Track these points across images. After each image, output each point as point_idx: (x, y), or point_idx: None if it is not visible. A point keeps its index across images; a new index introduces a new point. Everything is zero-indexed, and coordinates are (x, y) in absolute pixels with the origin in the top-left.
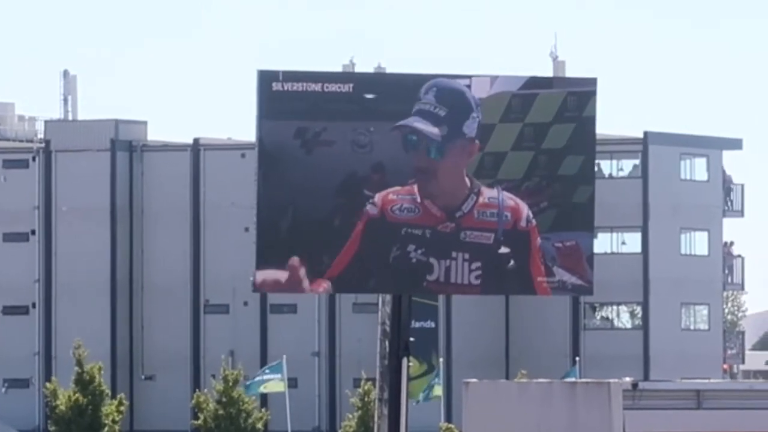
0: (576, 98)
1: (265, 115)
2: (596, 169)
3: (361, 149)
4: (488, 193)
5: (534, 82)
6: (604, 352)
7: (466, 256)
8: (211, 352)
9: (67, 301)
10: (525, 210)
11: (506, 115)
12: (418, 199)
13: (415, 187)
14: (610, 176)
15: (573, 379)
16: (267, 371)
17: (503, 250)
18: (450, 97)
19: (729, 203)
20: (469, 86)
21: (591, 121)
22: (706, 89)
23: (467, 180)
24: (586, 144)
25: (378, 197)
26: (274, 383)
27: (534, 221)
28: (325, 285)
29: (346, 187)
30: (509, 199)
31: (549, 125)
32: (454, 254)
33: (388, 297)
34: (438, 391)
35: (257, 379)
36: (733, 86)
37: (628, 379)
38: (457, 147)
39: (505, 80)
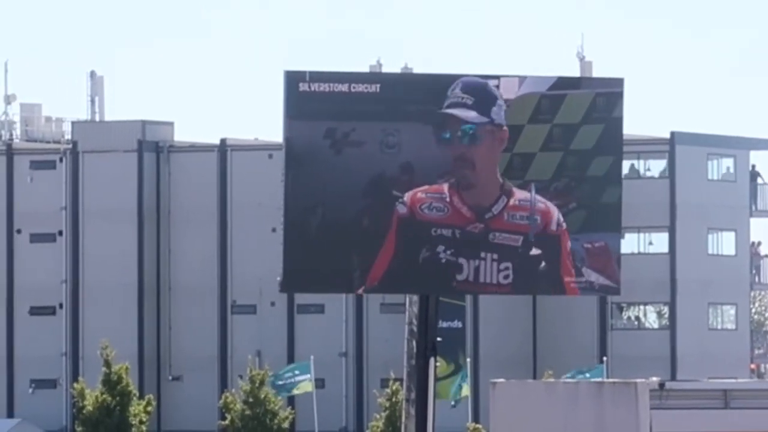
0: (604, 99)
1: (293, 116)
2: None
3: (389, 149)
4: (519, 195)
5: (562, 83)
6: (631, 352)
7: (495, 256)
8: (238, 353)
9: (94, 302)
10: (555, 213)
11: (535, 116)
12: (447, 198)
13: (445, 186)
14: (638, 176)
15: (599, 379)
16: (297, 371)
17: (534, 251)
18: (475, 88)
19: (756, 203)
20: (497, 86)
21: (619, 121)
22: (734, 89)
23: (500, 179)
24: (614, 145)
25: (407, 196)
26: (302, 384)
27: (564, 224)
28: (365, 288)
29: (374, 188)
30: (540, 202)
31: (578, 126)
32: (483, 254)
33: (416, 297)
34: (465, 391)
35: (288, 381)
36: (761, 86)
37: (655, 379)
38: (489, 132)
39: (533, 81)
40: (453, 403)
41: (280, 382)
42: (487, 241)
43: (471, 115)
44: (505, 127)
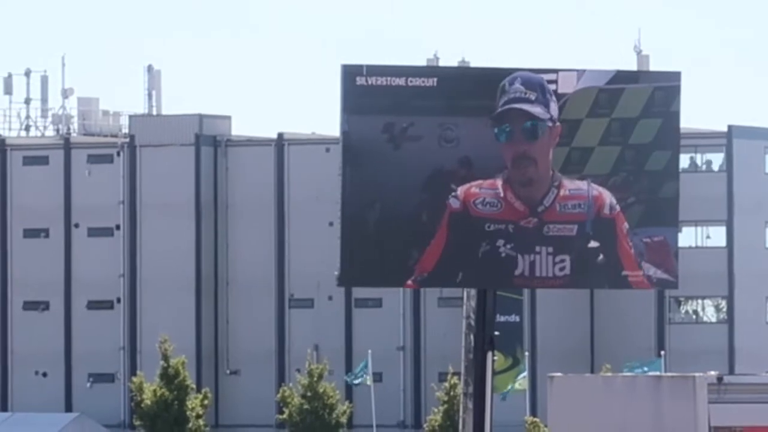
0: (662, 93)
1: (350, 110)
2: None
3: (448, 144)
4: (569, 185)
5: (620, 77)
6: (688, 346)
7: (550, 249)
8: (295, 347)
9: (151, 296)
10: (608, 198)
11: (593, 110)
12: (501, 194)
13: (499, 181)
14: (695, 170)
15: (657, 373)
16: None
17: (592, 244)
18: (534, 83)
19: None
20: (555, 81)
21: (676, 115)
22: None
23: (551, 171)
24: (672, 139)
25: (460, 191)
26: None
27: (618, 207)
28: (414, 280)
29: (432, 182)
30: (592, 189)
31: (636, 120)
32: (537, 248)
33: (473, 291)
34: (523, 384)
35: (359, 375)
36: None
37: (713, 373)
38: (547, 130)
39: (591, 75)
40: (502, 396)
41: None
42: (541, 234)
43: (537, 110)
44: (558, 123)
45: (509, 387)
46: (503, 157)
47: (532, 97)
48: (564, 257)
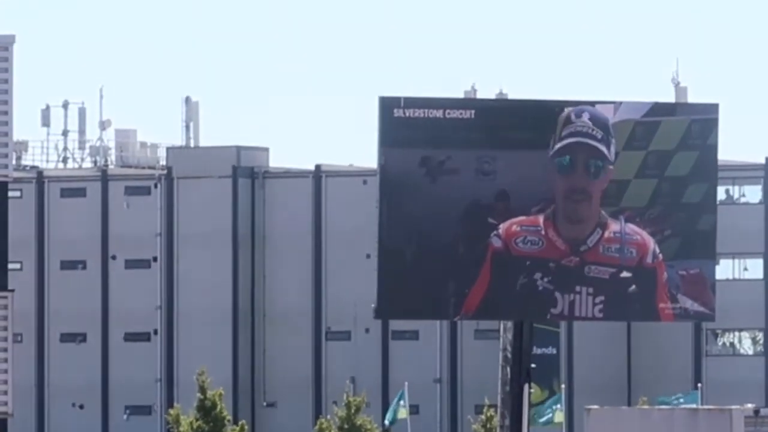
0: (700, 125)
1: (387, 142)
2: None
3: (485, 177)
4: (614, 227)
5: (657, 109)
6: (725, 378)
7: (590, 290)
8: (332, 379)
9: (188, 328)
10: (651, 245)
11: (630, 142)
12: (543, 231)
13: (540, 218)
14: (732, 202)
15: (694, 405)
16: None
17: (624, 274)
18: (600, 121)
19: None
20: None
21: (714, 148)
22: None
23: (599, 212)
24: (709, 171)
25: (502, 229)
26: (399, 410)
27: (660, 256)
28: (461, 317)
29: (470, 215)
30: (635, 233)
31: (673, 153)
32: (578, 288)
33: (510, 323)
34: (560, 417)
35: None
36: None
37: (750, 405)
38: (606, 171)
39: (628, 107)
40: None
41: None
42: (582, 274)
43: (604, 149)
44: (611, 167)
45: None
46: (555, 189)
47: (599, 135)
48: (602, 298)
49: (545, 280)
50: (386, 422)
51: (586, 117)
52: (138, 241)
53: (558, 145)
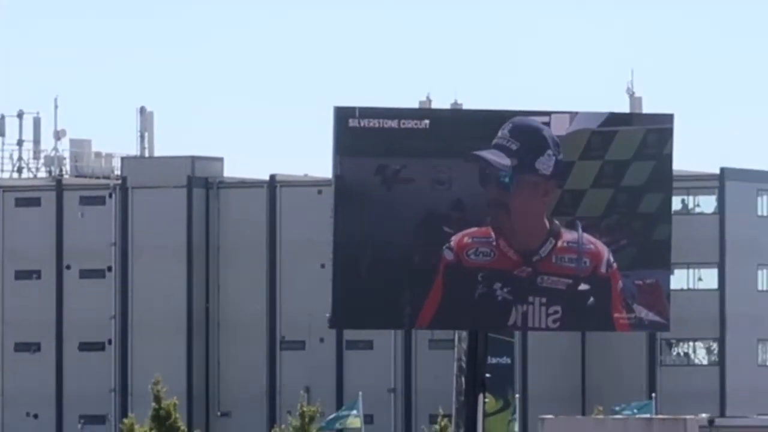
0: (655, 135)
1: (343, 152)
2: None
3: (440, 186)
4: (568, 237)
5: (613, 119)
6: (680, 388)
7: (543, 300)
8: (287, 389)
9: (143, 338)
10: (605, 254)
11: (586, 152)
12: (494, 242)
13: (491, 229)
14: (687, 213)
15: (648, 415)
16: (344, 408)
17: (582, 287)
18: (524, 133)
19: None
20: (548, 123)
21: (669, 158)
22: None
23: (546, 222)
24: (664, 181)
25: (454, 241)
26: (350, 419)
27: (615, 265)
28: (415, 329)
29: (425, 225)
30: (589, 243)
31: (629, 162)
32: (531, 298)
33: (465, 333)
34: (514, 427)
35: (333, 415)
36: None
37: (704, 415)
38: (529, 183)
39: (584, 117)
40: None
41: (326, 419)
42: (535, 284)
43: (505, 162)
44: (553, 180)
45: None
46: (485, 202)
47: (514, 146)
48: (557, 308)
49: (505, 290)
50: (323, 425)
51: (507, 129)
52: (93, 251)
53: (472, 153)
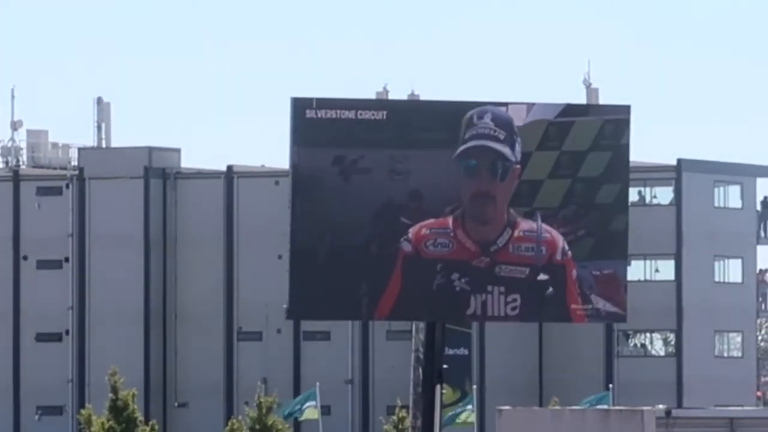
0: (612, 126)
1: (300, 142)
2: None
3: (398, 177)
4: (524, 226)
5: (570, 110)
6: (637, 379)
7: (502, 289)
8: (244, 380)
9: (100, 329)
10: (560, 242)
11: (543, 143)
12: (452, 233)
13: (449, 220)
14: (644, 204)
15: (605, 406)
16: (300, 398)
17: (541, 277)
18: (504, 122)
19: (765, 231)
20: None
21: (626, 149)
22: (741, 116)
23: (504, 213)
24: (621, 172)
25: (412, 232)
26: (308, 411)
27: (570, 253)
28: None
29: (383, 215)
30: (545, 231)
31: (585, 153)
32: (489, 288)
33: (422, 324)
34: (471, 418)
35: (290, 406)
36: None
37: (661, 406)
38: (514, 172)
39: (541, 108)
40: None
41: (286, 410)
42: (493, 274)
43: (507, 150)
44: (518, 166)
45: (453, 418)
46: (461, 192)
47: (501, 135)
48: (515, 296)
49: (463, 281)
50: (284, 413)
51: (488, 118)
52: (49, 242)
53: (461, 148)
